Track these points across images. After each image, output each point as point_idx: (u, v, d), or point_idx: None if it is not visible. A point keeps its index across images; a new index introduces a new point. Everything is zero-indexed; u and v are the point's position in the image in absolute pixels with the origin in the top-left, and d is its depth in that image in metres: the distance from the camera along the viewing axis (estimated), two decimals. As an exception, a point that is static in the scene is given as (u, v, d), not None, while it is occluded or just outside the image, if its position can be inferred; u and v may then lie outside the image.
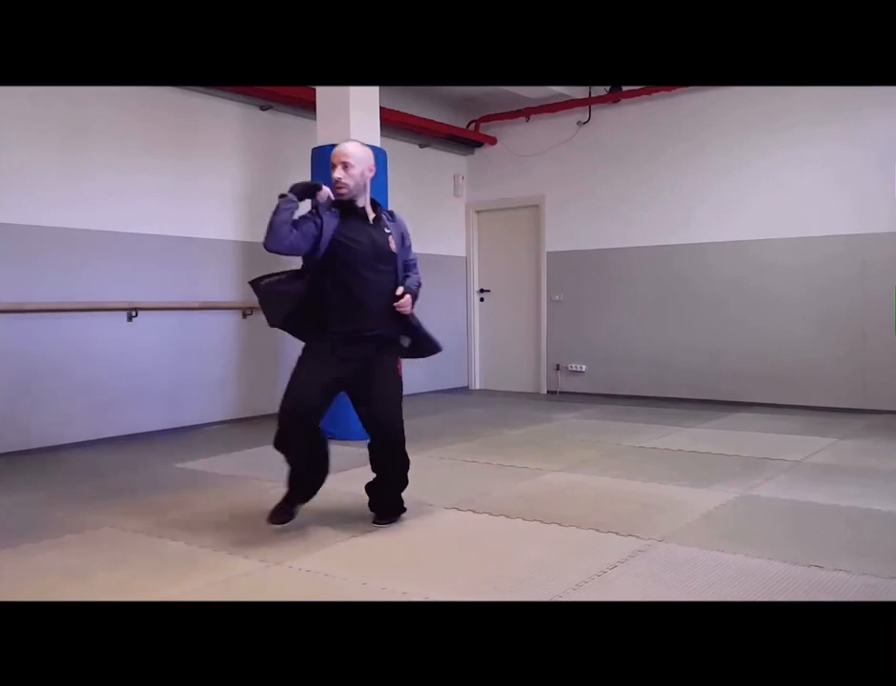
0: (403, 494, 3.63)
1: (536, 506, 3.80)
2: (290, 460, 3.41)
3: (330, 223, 3.32)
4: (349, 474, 4.45)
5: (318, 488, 3.54)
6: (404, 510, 3.62)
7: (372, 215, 3.44)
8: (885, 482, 4.17)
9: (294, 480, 3.44)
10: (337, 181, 3.31)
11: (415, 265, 3.63)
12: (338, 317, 3.35)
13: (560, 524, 3.49)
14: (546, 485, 4.26)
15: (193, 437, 5.90)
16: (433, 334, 3.61)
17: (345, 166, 3.31)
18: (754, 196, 7.21)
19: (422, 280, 3.65)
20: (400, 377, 3.59)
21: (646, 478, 4.37)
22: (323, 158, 5.64)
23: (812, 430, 5.85)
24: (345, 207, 3.39)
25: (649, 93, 7.65)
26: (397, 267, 3.46)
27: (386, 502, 3.59)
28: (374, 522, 3.53)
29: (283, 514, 3.42)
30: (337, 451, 5.25)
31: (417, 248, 9.71)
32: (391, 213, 3.58)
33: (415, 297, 3.49)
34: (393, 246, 3.43)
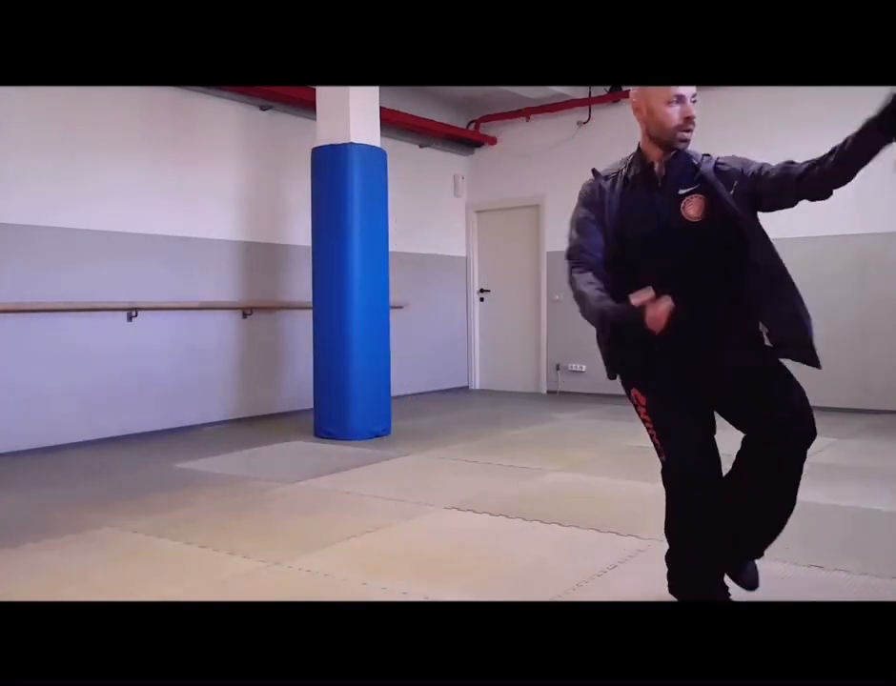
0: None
1: (536, 506, 3.80)
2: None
3: (611, 204, 2.31)
4: (349, 473, 4.46)
5: None
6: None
7: (662, 173, 2.28)
8: (886, 482, 4.17)
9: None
10: (693, 120, 2.24)
11: (769, 171, 2.17)
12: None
13: (560, 524, 3.49)
14: (546, 485, 4.26)
15: (193, 437, 5.90)
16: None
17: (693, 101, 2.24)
18: (754, 196, 7.20)
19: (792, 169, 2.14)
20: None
21: (646, 478, 4.36)
22: (324, 158, 5.66)
23: (812, 430, 5.84)
24: (636, 170, 2.32)
25: (649, 93, 7.64)
26: (707, 244, 2.25)
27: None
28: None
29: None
30: (338, 451, 5.28)
31: (417, 247, 9.57)
32: (705, 158, 2.28)
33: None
34: (691, 212, 2.24)
